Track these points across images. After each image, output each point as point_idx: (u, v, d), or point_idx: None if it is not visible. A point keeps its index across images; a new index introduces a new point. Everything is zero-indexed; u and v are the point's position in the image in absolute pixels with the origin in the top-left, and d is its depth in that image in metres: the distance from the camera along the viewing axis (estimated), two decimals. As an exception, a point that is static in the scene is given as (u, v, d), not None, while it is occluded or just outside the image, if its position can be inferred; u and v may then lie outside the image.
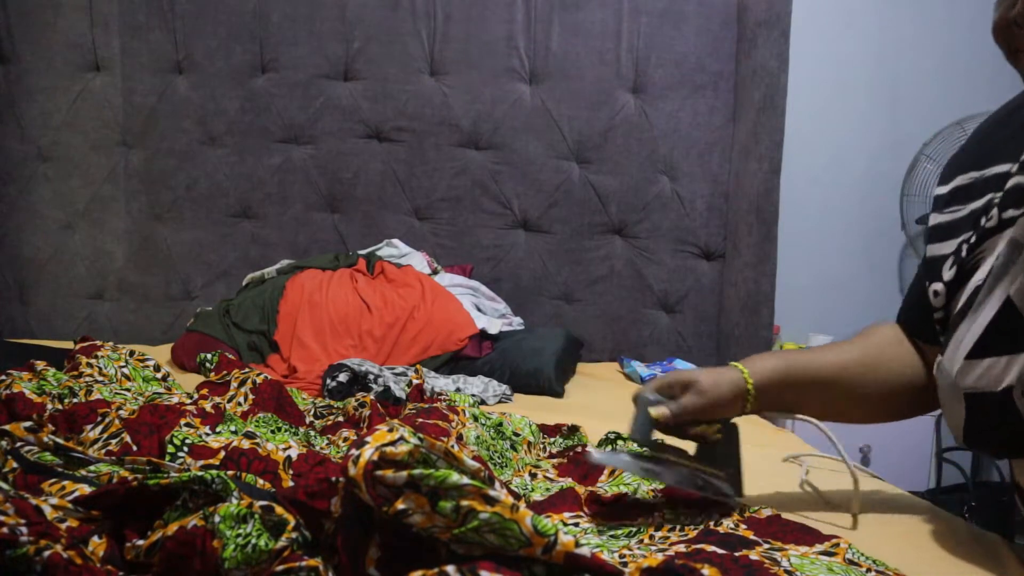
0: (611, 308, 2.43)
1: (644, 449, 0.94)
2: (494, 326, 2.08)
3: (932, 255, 0.94)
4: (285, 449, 0.89)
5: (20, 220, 2.34)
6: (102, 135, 2.34)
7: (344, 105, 2.38)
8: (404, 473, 0.54)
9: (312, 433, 1.22)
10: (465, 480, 0.54)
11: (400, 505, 0.54)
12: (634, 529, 0.85)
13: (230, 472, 0.75)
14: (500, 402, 1.76)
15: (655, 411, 0.90)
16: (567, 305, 2.44)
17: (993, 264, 0.82)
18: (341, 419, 1.32)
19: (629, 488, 1.01)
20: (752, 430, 1.68)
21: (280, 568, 0.59)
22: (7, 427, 0.84)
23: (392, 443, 0.56)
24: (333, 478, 0.63)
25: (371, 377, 1.67)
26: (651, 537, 0.83)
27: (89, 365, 1.30)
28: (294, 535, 0.61)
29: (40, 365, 1.22)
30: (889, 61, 2.71)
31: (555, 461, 1.18)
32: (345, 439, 1.18)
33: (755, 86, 2.28)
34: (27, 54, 2.30)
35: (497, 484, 0.56)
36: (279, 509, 0.62)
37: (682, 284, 2.42)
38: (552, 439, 1.31)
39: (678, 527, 0.85)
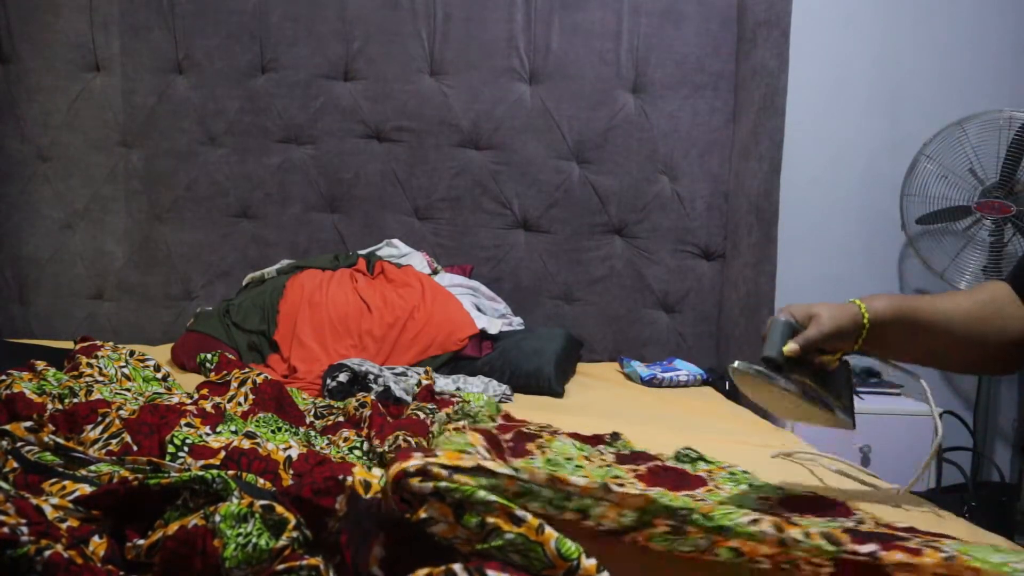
0: (611, 308, 2.43)
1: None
2: (494, 326, 2.08)
3: None
4: (285, 449, 0.89)
5: (20, 220, 2.34)
6: (102, 135, 2.34)
7: (344, 105, 2.38)
8: (430, 484, 0.54)
9: (312, 433, 1.22)
10: (492, 497, 0.54)
11: (423, 514, 0.54)
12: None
13: (230, 472, 0.75)
14: (500, 402, 1.76)
15: (788, 348, 0.98)
16: (567, 305, 2.44)
17: None
18: (342, 419, 1.32)
19: (738, 502, 1.00)
20: (753, 430, 1.68)
21: (281, 567, 0.59)
22: (8, 427, 0.84)
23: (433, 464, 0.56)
24: (340, 476, 0.63)
25: (371, 377, 1.67)
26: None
27: (89, 365, 1.30)
28: (295, 534, 0.61)
29: (40, 365, 1.22)
30: (889, 61, 2.70)
31: (627, 468, 1.16)
32: (345, 439, 1.18)
33: (755, 86, 2.28)
34: (27, 54, 2.30)
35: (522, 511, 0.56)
36: (280, 508, 0.63)
37: (682, 284, 2.42)
38: (596, 447, 1.27)
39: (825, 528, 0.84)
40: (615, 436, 1.32)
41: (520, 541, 0.53)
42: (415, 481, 0.54)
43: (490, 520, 0.53)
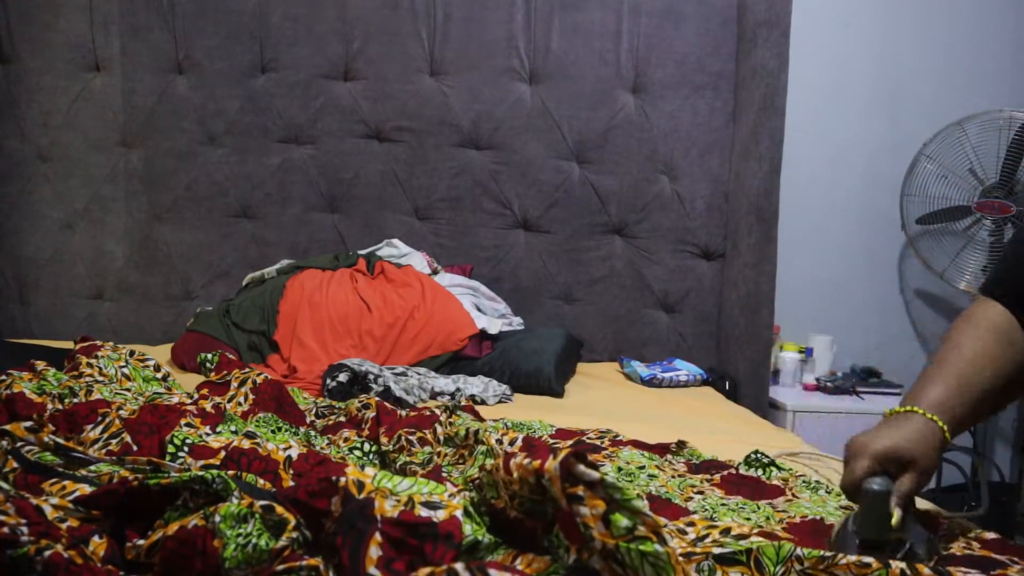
0: (611, 308, 2.43)
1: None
2: (494, 326, 2.08)
3: None
4: (285, 449, 0.89)
5: (20, 220, 2.34)
6: (102, 135, 2.34)
7: (344, 105, 2.38)
8: (597, 474, 0.56)
9: (312, 433, 1.22)
10: (647, 511, 0.56)
11: (579, 491, 0.56)
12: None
13: (230, 472, 0.75)
14: (500, 402, 1.76)
15: (896, 519, 0.80)
16: (567, 305, 2.44)
17: None
18: (343, 419, 1.32)
19: (818, 509, 0.99)
20: (753, 430, 1.68)
21: (281, 567, 0.59)
22: (8, 427, 0.84)
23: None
24: (334, 477, 0.63)
25: (371, 377, 1.67)
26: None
27: (89, 365, 1.30)
28: (294, 535, 0.61)
29: (40, 365, 1.22)
30: (889, 61, 2.71)
31: (700, 477, 1.15)
32: (345, 439, 1.18)
33: (755, 86, 2.28)
34: (27, 54, 2.30)
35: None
36: (279, 509, 0.62)
37: (682, 284, 2.42)
38: (664, 457, 1.27)
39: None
40: (681, 445, 1.31)
41: (664, 558, 0.55)
42: (580, 465, 0.57)
43: (641, 529, 0.55)
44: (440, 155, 2.40)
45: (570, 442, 1.32)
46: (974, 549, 0.83)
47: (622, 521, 0.55)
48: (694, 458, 1.27)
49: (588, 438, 1.34)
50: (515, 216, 2.42)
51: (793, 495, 1.08)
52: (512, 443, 1.08)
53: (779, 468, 1.17)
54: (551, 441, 1.33)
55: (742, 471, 1.16)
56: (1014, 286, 0.96)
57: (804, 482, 1.13)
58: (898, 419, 0.87)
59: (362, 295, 2.05)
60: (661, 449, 1.30)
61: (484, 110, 2.38)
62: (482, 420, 1.32)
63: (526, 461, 0.60)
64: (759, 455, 1.18)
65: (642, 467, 1.18)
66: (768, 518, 0.97)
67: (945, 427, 0.86)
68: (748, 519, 0.96)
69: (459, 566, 0.53)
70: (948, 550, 0.83)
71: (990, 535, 0.89)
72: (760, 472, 1.17)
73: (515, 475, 0.61)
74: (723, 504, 1.01)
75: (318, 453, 0.91)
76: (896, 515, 0.80)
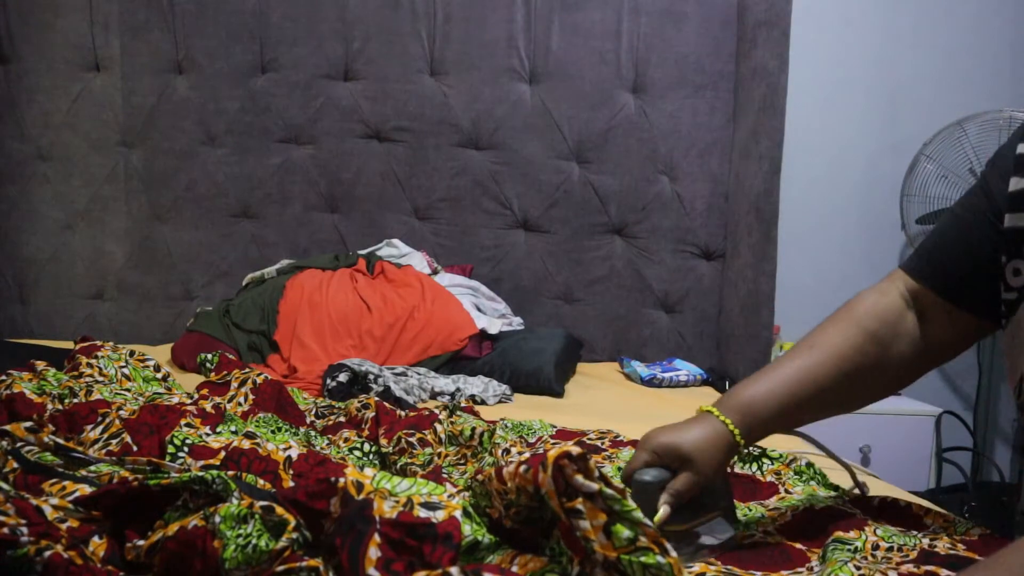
0: (611, 308, 2.43)
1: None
2: (494, 326, 2.08)
3: (1012, 226, 0.81)
4: (285, 449, 0.89)
5: (20, 220, 2.34)
6: (102, 135, 2.34)
7: (344, 105, 2.38)
8: (596, 485, 0.56)
9: (313, 433, 1.22)
10: (647, 521, 0.56)
11: (578, 505, 0.56)
12: (851, 547, 0.82)
13: (230, 472, 0.75)
14: (500, 402, 1.77)
15: (660, 516, 0.80)
16: (567, 305, 2.44)
17: None
18: (343, 419, 1.32)
19: (809, 498, 1.00)
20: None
21: (281, 568, 0.59)
22: (7, 427, 0.84)
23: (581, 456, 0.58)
24: (333, 478, 0.63)
25: (371, 377, 1.67)
26: (872, 556, 0.81)
27: (89, 365, 1.30)
28: (295, 535, 0.61)
29: (40, 365, 1.22)
30: (889, 61, 2.70)
31: None
32: (346, 439, 1.18)
33: (755, 86, 2.28)
34: (27, 54, 2.30)
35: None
36: (280, 509, 0.62)
37: (682, 284, 2.42)
38: None
39: (895, 547, 0.83)
40: None
41: (666, 569, 0.55)
42: (578, 476, 0.56)
43: (642, 540, 0.55)
44: (440, 155, 2.40)
45: (571, 443, 1.32)
46: (959, 550, 0.83)
47: (623, 532, 0.55)
48: None
49: (589, 439, 1.34)
50: (515, 216, 2.42)
51: (786, 490, 1.08)
52: (520, 454, 1.07)
53: (771, 459, 1.17)
54: (552, 442, 1.33)
55: (737, 470, 1.16)
56: (943, 267, 0.90)
57: (796, 472, 1.14)
58: (698, 417, 0.88)
59: (362, 295, 2.05)
60: None
61: (484, 110, 2.38)
62: (482, 421, 1.32)
63: (521, 470, 0.60)
64: (749, 449, 1.18)
65: None
66: (760, 519, 0.96)
67: (737, 431, 0.85)
68: (738, 524, 0.96)
69: (454, 570, 0.54)
70: (932, 548, 0.83)
71: (977, 531, 0.88)
72: (754, 468, 1.17)
73: (510, 484, 0.60)
74: None
75: (318, 453, 0.91)
76: (662, 510, 0.80)
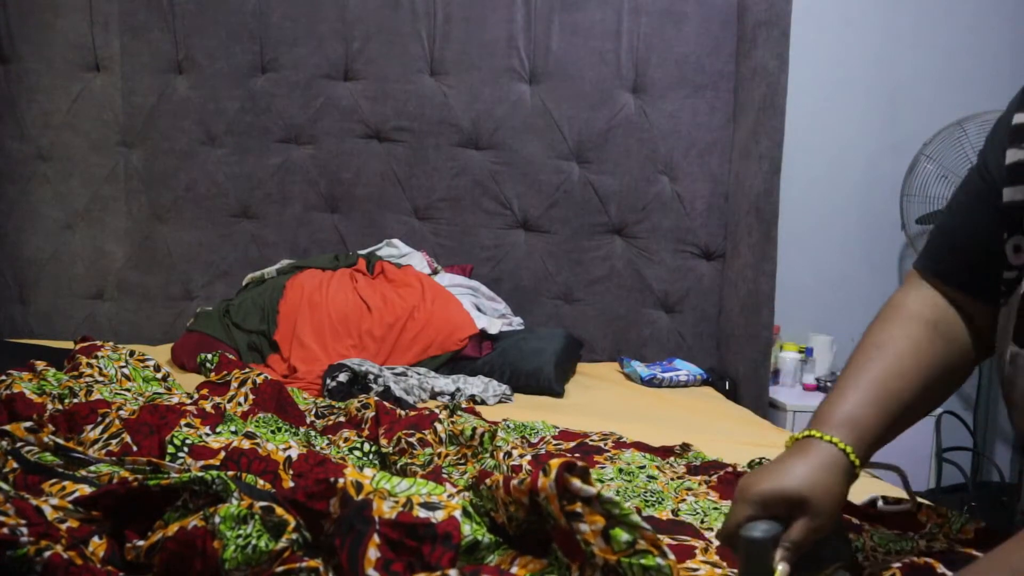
0: (611, 308, 2.43)
1: None
2: (494, 326, 2.08)
3: (1011, 200, 0.75)
4: (285, 449, 0.89)
5: (20, 220, 2.34)
6: (102, 135, 2.34)
7: (344, 105, 2.38)
8: (593, 489, 0.56)
9: (312, 433, 1.22)
10: (645, 525, 0.56)
11: (578, 508, 0.56)
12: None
13: (230, 472, 0.75)
14: (500, 402, 1.77)
15: (778, 574, 0.66)
16: (567, 305, 2.44)
17: None
18: (343, 419, 1.32)
19: None
20: (753, 430, 1.68)
21: (280, 569, 0.59)
22: (7, 427, 0.84)
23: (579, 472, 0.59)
24: (332, 479, 0.63)
25: (371, 377, 1.67)
26: (873, 557, 0.81)
27: (89, 365, 1.30)
28: (294, 536, 0.61)
29: (40, 365, 1.22)
30: (889, 61, 2.70)
31: (700, 479, 1.15)
32: (346, 439, 1.18)
33: (755, 86, 2.28)
34: (27, 54, 2.30)
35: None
36: (279, 510, 0.62)
37: (682, 284, 2.42)
38: (667, 460, 1.26)
39: (892, 550, 0.83)
40: (685, 447, 1.31)
41: (666, 572, 0.55)
42: (576, 481, 0.57)
43: (641, 543, 0.55)
44: (440, 155, 2.40)
45: (573, 444, 1.32)
46: (956, 550, 0.83)
47: (622, 536, 0.55)
48: (697, 460, 1.27)
49: (591, 440, 1.34)
50: (515, 216, 2.42)
51: None
52: (522, 456, 1.07)
53: None
54: (554, 443, 1.33)
55: (741, 471, 1.16)
56: (955, 259, 0.84)
57: None
58: (797, 447, 0.73)
59: (362, 295, 2.05)
60: (664, 452, 1.30)
61: (484, 110, 2.38)
62: (483, 421, 1.32)
63: (517, 481, 0.60)
64: (763, 460, 1.18)
65: (642, 466, 1.18)
66: None
67: (851, 452, 0.72)
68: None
69: (453, 572, 0.54)
70: (930, 548, 0.83)
71: (972, 526, 0.88)
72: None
73: (512, 498, 0.61)
74: (715, 508, 1.01)
75: (318, 453, 0.91)
76: (780, 569, 0.66)
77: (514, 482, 0.61)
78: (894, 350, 0.81)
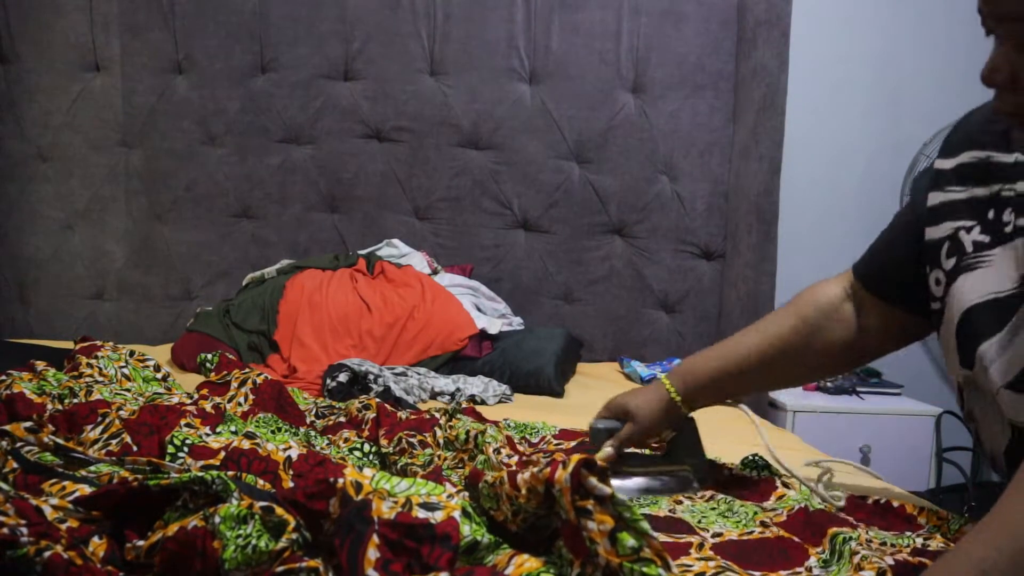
0: (611, 308, 2.43)
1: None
2: (494, 326, 2.08)
3: (931, 238, 0.90)
4: (285, 449, 0.89)
5: (20, 220, 2.34)
6: (102, 135, 2.34)
7: (344, 105, 2.38)
8: (608, 490, 0.57)
9: (312, 433, 1.22)
10: (653, 534, 0.57)
11: (589, 505, 0.57)
12: (847, 536, 0.84)
13: (230, 472, 0.75)
14: (500, 402, 1.77)
15: (601, 455, 1.01)
16: (567, 305, 2.44)
17: None
18: (343, 420, 1.32)
19: (801, 500, 1.00)
20: (753, 430, 1.68)
21: (280, 569, 0.59)
22: (7, 427, 0.84)
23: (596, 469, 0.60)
24: (331, 479, 0.63)
25: (371, 377, 1.67)
26: (868, 544, 0.82)
27: (89, 365, 1.30)
28: (294, 536, 0.61)
29: (40, 365, 1.22)
30: (889, 61, 2.70)
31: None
32: (346, 440, 1.18)
33: (755, 86, 2.28)
34: (27, 54, 2.30)
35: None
36: (279, 510, 0.62)
37: (682, 284, 2.42)
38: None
39: (888, 543, 0.84)
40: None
41: None
42: (592, 478, 0.57)
43: (647, 551, 0.56)
44: (440, 155, 2.40)
45: (573, 443, 1.32)
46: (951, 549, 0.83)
47: (628, 541, 0.55)
48: None
49: None
50: (515, 216, 2.42)
51: (783, 484, 1.08)
52: (509, 456, 1.08)
53: (772, 474, 1.17)
54: (555, 442, 1.33)
55: (736, 471, 1.16)
56: (880, 269, 1.01)
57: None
58: (651, 383, 1.08)
59: (362, 295, 2.05)
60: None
61: (484, 110, 2.38)
62: (484, 421, 1.32)
63: (536, 470, 0.60)
64: (756, 458, 1.18)
65: None
66: (754, 515, 0.96)
67: (674, 391, 1.05)
68: (738, 523, 0.96)
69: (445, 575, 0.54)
70: (926, 547, 0.83)
71: (971, 527, 0.88)
72: (754, 474, 1.17)
73: (523, 490, 0.61)
74: (712, 509, 1.01)
75: (318, 454, 0.91)
76: (603, 451, 1.03)
77: (533, 470, 0.61)
78: (758, 334, 1.05)
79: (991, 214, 0.83)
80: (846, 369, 1.12)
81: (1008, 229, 0.81)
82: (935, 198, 0.91)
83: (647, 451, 1.17)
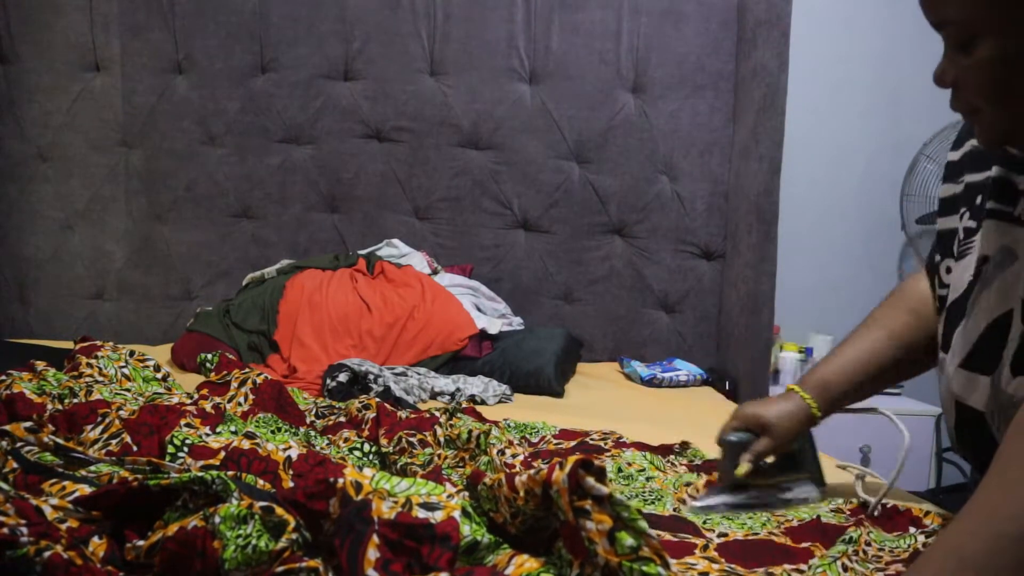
0: (611, 308, 2.43)
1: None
2: (494, 326, 2.08)
3: (942, 228, 0.93)
4: (285, 449, 0.89)
5: (20, 220, 2.34)
6: (102, 135, 2.34)
7: (344, 105, 2.38)
8: (606, 489, 0.57)
9: (312, 433, 1.22)
10: (652, 533, 0.56)
11: (587, 505, 0.57)
12: (845, 538, 0.84)
13: (230, 472, 0.75)
14: (500, 402, 1.77)
15: (741, 470, 0.99)
16: (567, 305, 2.44)
17: (986, 268, 0.81)
18: (343, 420, 1.32)
19: (813, 512, 1.00)
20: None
21: (280, 569, 0.59)
22: (7, 427, 0.84)
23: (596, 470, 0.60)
24: (331, 479, 0.63)
25: (371, 377, 1.67)
26: (863, 552, 0.83)
27: (89, 365, 1.30)
28: (294, 536, 0.61)
29: (40, 365, 1.22)
30: (889, 61, 2.71)
31: (697, 474, 1.17)
32: (345, 439, 1.18)
33: (755, 86, 2.28)
34: (27, 54, 2.30)
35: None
36: (279, 510, 0.62)
37: (682, 284, 2.42)
38: (667, 459, 1.26)
39: (888, 548, 0.84)
40: (685, 445, 1.31)
41: None
42: (590, 479, 0.57)
43: (645, 550, 0.56)
44: (440, 155, 2.40)
45: (573, 443, 1.32)
46: None
47: (627, 540, 0.55)
48: (697, 459, 1.27)
49: (592, 439, 1.34)
50: (515, 216, 2.42)
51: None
52: (514, 456, 1.08)
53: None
54: (555, 442, 1.33)
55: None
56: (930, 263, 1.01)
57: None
58: (784, 394, 1.05)
59: (362, 295, 2.05)
60: (664, 450, 1.30)
61: (484, 110, 2.38)
62: (484, 421, 1.32)
63: (533, 472, 0.60)
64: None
65: (642, 469, 1.18)
66: (765, 523, 0.96)
67: (815, 405, 1.02)
68: (743, 524, 0.96)
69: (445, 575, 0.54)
70: (926, 546, 0.84)
71: None
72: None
73: (521, 492, 0.61)
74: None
75: (318, 453, 0.91)
76: (743, 467, 0.99)
77: (531, 472, 0.61)
78: (878, 331, 1.05)
79: (978, 200, 0.87)
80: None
81: (983, 215, 0.84)
82: (947, 190, 0.93)
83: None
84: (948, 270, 0.91)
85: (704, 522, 0.96)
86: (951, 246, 0.90)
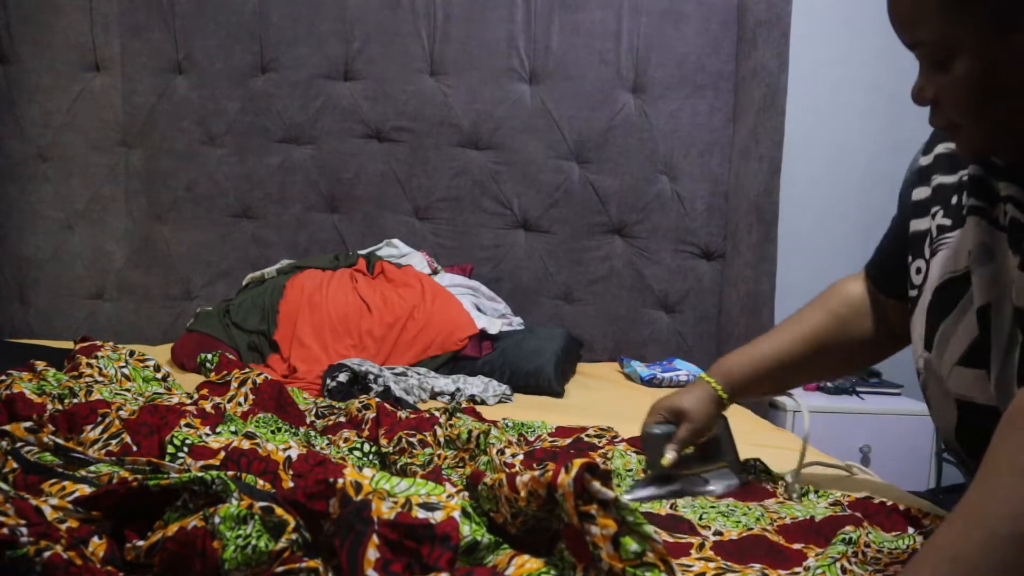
0: (611, 308, 2.43)
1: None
2: (494, 326, 2.08)
3: (915, 230, 0.96)
4: (285, 449, 0.89)
5: (20, 220, 2.34)
6: (102, 135, 2.34)
7: (344, 105, 2.38)
8: (612, 494, 0.57)
9: (312, 433, 1.22)
10: (657, 538, 0.56)
11: (592, 510, 0.56)
12: (845, 538, 0.85)
13: (230, 473, 0.75)
14: (500, 402, 1.77)
15: (666, 460, 1.03)
16: (567, 305, 2.44)
17: (972, 264, 0.81)
18: (343, 420, 1.32)
19: (809, 511, 1.00)
20: (753, 429, 1.68)
21: (280, 569, 0.59)
22: (7, 427, 0.84)
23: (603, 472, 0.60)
24: (331, 479, 0.63)
25: (371, 377, 1.67)
26: (863, 554, 0.83)
27: (89, 365, 1.30)
28: (294, 536, 0.61)
29: (40, 365, 1.22)
30: (889, 61, 2.70)
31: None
32: (345, 440, 1.18)
33: (755, 86, 2.28)
34: (27, 54, 2.30)
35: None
36: (279, 510, 0.62)
37: (682, 284, 2.42)
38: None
39: (887, 550, 0.84)
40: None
41: None
42: (595, 483, 0.57)
43: (649, 555, 0.55)
44: (440, 155, 2.40)
45: (569, 440, 1.32)
46: None
47: (631, 545, 0.55)
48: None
49: (587, 435, 1.34)
50: (515, 216, 2.42)
51: (785, 498, 1.08)
52: (514, 456, 1.08)
53: (770, 475, 1.17)
54: (550, 439, 1.33)
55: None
56: (882, 267, 1.07)
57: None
58: (694, 383, 1.11)
59: (362, 295, 2.05)
60: None
61: (484, 110, 2.38)
62: (484, 421, 1.32)
63: (537, 473, 0.60)
64: (756, 462, 1.18)
65: (630, 469, 1.18)
66: (759, 519, 0.96)
67: (718, 387, 1.07)
68: (738, 522, 0.96)
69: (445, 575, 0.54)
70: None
71: None
72: (751, 478, 1.17)
73: (522, 492, 0.60)
74: (712, 507, 1.01)
75: (318, 454, 0.90)
76: (668, 456, 1.03)
77: (535, 473, 0.61)
78: (793, 330, 1.10)
79: (954, 199, 0.88)
80: (873, 363, 1.18)
81: (964, 212, 0.85)
82: (919, 193, 0.97)
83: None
84: (918, 271, 0.92)
85: (700, 519, 0.96)
86: (922, 247, 0.92)
